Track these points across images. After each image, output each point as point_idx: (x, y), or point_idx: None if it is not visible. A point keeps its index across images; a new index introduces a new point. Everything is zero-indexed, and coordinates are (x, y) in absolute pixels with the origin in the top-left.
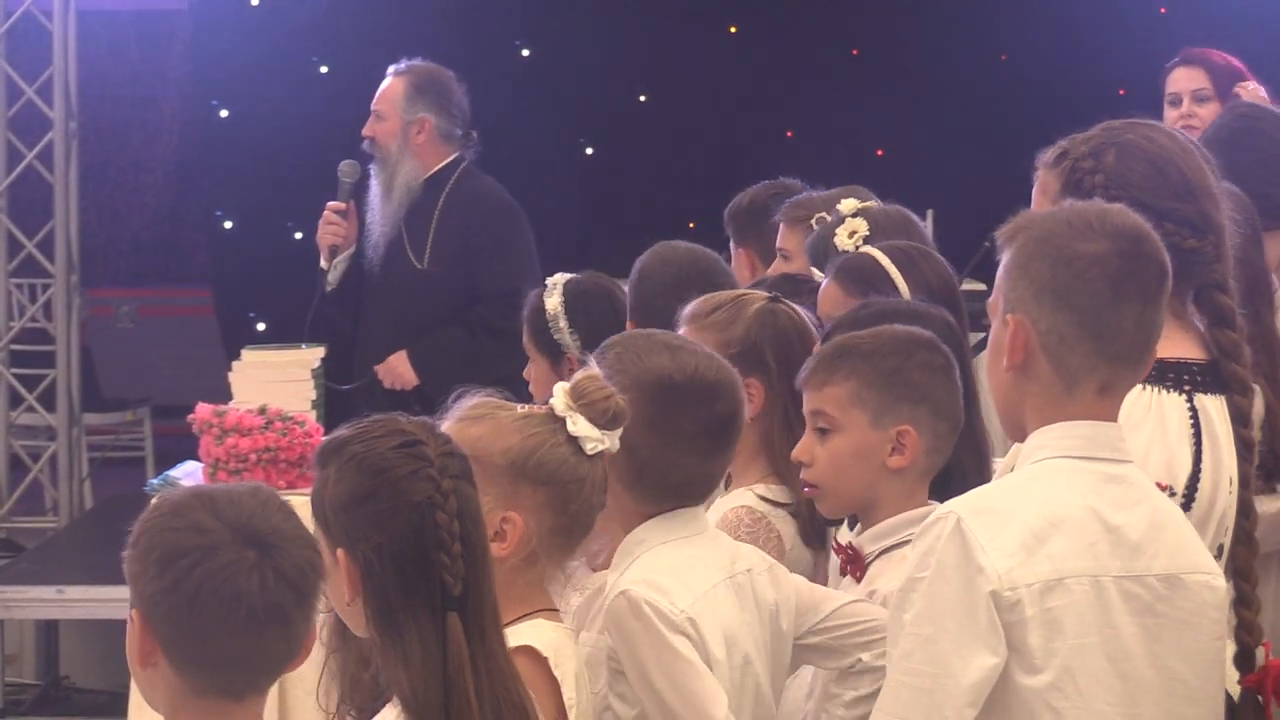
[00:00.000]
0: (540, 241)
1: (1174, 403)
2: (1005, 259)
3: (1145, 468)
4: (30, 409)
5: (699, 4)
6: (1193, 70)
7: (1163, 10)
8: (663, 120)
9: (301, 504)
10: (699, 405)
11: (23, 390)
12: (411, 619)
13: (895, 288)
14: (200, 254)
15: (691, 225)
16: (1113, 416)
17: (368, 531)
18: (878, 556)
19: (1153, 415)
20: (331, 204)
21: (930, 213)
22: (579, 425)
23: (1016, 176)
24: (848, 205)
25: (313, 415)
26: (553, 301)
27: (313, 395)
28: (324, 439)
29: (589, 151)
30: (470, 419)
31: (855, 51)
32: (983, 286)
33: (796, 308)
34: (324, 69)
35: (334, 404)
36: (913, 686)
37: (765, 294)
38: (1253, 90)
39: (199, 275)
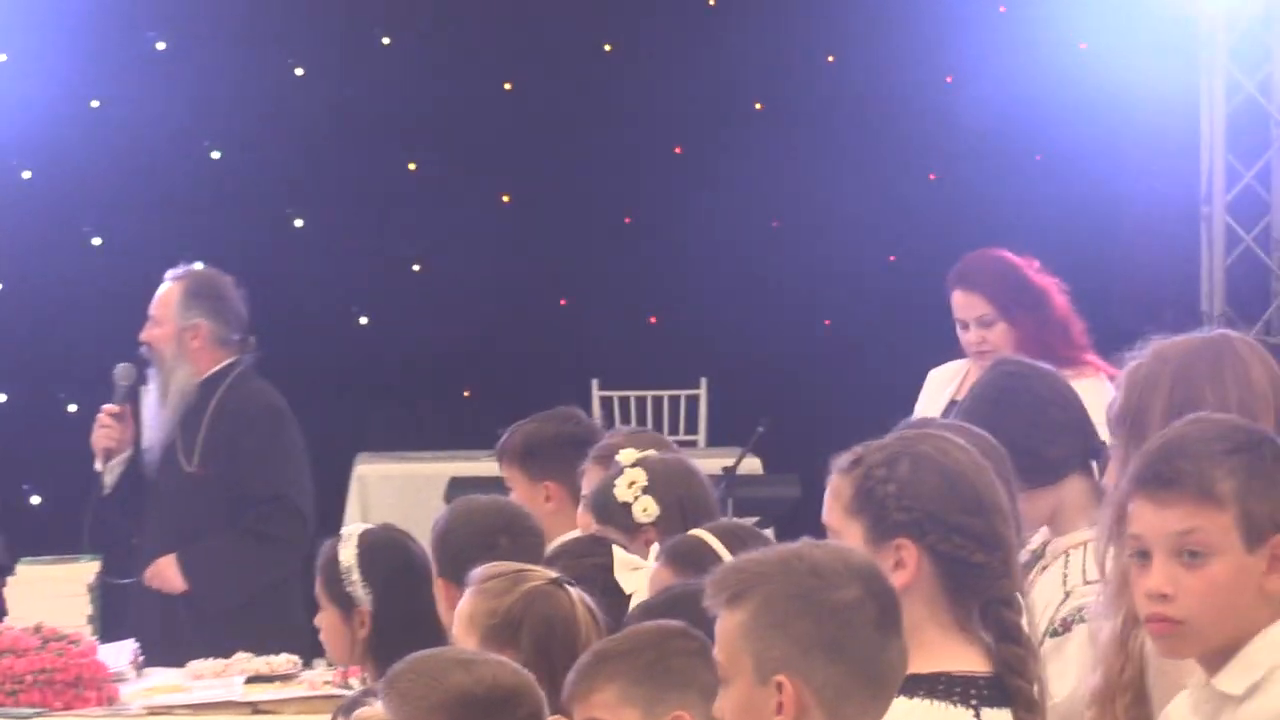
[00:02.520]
0: (312, 423)
1: (962, 718)
2: (742, 618)
3: None
4: None
5: (472, 171)
6: (970, 296)
7: (931, 176)
8: (436, 289)
9: None
10: (504, 713)
11: None
12: None
13: None
14: None
15: (466, 394)
16: None
17: None
18: None
19: None
20: (106, 407)
21: (704, 380)
22: None
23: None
24: (626, 456)
25: (88, 631)
26: (346, 553)
27: (89, 610)
28: None
29: (363, 321)
30: None
31: (628, 219)
32: (759, 464)
33: (574, 595)
34: (97, 240)
35: (110, 598)
36: None
37: (551, 575)
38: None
39: None
